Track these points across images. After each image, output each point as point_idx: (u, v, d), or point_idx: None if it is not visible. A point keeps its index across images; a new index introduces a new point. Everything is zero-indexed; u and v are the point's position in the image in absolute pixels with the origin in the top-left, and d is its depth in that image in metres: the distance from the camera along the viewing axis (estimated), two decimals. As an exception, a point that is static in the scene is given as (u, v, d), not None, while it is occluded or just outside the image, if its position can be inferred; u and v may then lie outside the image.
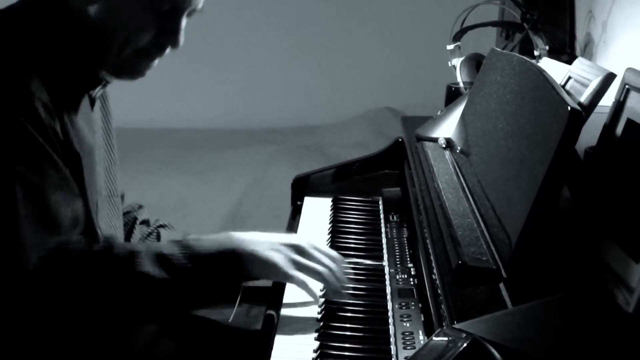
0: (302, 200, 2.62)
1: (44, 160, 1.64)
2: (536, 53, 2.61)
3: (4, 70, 1.64)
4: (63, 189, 1.68)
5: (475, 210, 1.81)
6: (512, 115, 1.85)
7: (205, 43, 5.20)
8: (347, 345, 1.70)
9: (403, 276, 2.01)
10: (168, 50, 1.83)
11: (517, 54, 2.12)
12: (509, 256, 1.51)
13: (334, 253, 1.87)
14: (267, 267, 1.78)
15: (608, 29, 2.63)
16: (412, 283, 1.96)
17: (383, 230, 2.32)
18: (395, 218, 2.41)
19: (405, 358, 1.59)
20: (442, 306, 1.57)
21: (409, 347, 1.67)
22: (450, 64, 3.00)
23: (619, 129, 1.60)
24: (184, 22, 1.80)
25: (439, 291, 1.63)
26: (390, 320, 1.79)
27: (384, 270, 2.05)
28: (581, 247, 1.53)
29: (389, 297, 1.90)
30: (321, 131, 5.43)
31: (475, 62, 2.92)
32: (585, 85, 1.78)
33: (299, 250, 1.82)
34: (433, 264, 1.74)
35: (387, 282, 1.98)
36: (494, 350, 1.16)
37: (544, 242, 1.50)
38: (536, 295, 1.36)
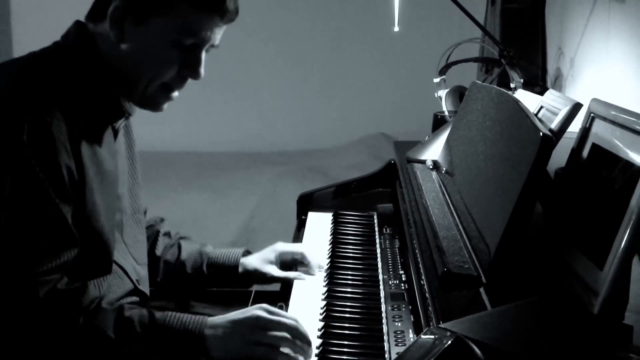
0: (306, 215, 2.62)
1: (40, 202, 1.61)
2: (512, 85, 2.61)
3: (30, 110, 1.61)
4: (50, 236, 1.62)
5: (459, 224, 1.81)
6: (491, 140, 1.85)
7: (221, 77, 5.20)
8: (346, 342, 1.69)
9: (395, 282, 2.00)
10: (188, 81, 1.81)
11: (495, 87, 2.13)
12: (488, 264, 1.51)
13: (290, 315, 1.72)
14: (227, 348, 1.66)
15: (575, 65, 2.64)
16: (403, 288, 1.96)
17: (377, 241, 2.32)
18: (388, 231, 2.40)
19: (397, 354, 1.58)
20: (430, 308, 1.56)
21: (400, 344, 1.66)
22: (436, 95, 3.00)
23: (585, 152, 1.61)
24: (203, 55, 1.79)
25: (426, 295, 1.63)
26: (384, 321, 1.78)
27: (378, 276, 2.05)
28: (551, 256, 1.53)
29: (382, 300, 1.90)
30: (323, 154, 5.42)
31: (458, 94, 2.92)
32: (556, 114, 1.79)
33: (257, 324, 1.68)
34: (421, 271, 1.74)
35: (381, 287, 1.97)
36: (474, 347, 1.16)
37: (519, 252, 1.50)
38: (512, 299, 1.36)
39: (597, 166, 1.53)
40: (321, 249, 2.24)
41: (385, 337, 1.71)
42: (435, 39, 4.51)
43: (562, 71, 2.78)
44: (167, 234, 2.23)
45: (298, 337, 1.66)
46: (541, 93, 2.07)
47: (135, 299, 1.94)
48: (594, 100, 1.63)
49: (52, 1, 5.33)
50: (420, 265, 1.77)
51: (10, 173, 1.59)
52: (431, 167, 2.30)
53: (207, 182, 4.76)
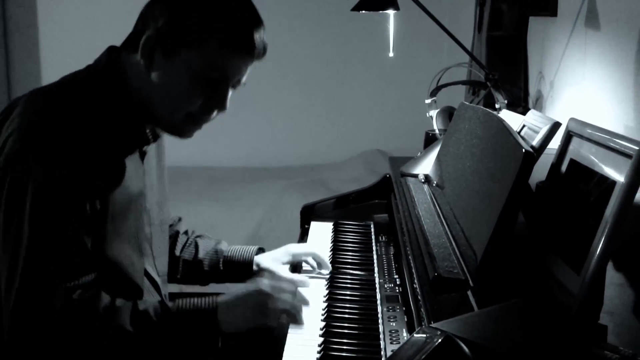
0: (309, 224, 2.61)
1: (63, 232, 1.59)
2: (497, 106, 2.61)
3: (60, 148, 1.59)
4: (69, 262, 1.60)
5: (448, 232, 1.81)
6: (478, 156, 1.85)
7: (233, 99, 5.22)
8: (345, 340, 1.69)
9: (390, 285, 2.00)
10: (213, 116, 1.78)
11: (481, 107, 2.13)
12: (475, 269, 1.51)
13: (290, 278, 1.76)
14: (237, 319, 1.68)
15: (555, 87, 2.64)
16: (397, 291, 1.95)
17: (374, 248, 2.32)
18: (383, 238, 2.40)
19: (392, 351, 1.57)
20: (422, 309, 1.56)
21: (394, 342, 1.66)
22: (428, 115, 3.00)
23: (564, 167, 1.61)
24: (230, 91, 1.75)
25: (419, 297, 1.63)
26: (380, 321, 1.78)
27: (374, 280, 2.05)
28: (533, 262, 1.53)
29: (378, 302, 1.90)
30: (324, 168, 5.42)
31: (448, 113, 2.92)
32: (537, 132, 1.79)
33: (261, 294, 1.71)
34: (414, 276, 1.74)
35: (377, 290, 1.97)
36: (463, 345, 1.16)
37: (503, 258, 1.50)
38: (497, 301, 1.36)
39: (575, 180, 1.53)
40: (322, 255, 2.24)
41: (381, 336, 1.71)
42: (426, 64, 4.51)
43: (543, 93, 2.79)
44: (185, 233, 2.22)
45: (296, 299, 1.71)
46: (523, 113, 2.07)
47: None
48: (572, 119, 1.63)
49: (79, 28, 5.35)
50: (413, 270, 1.76)
51: (38, 204, 1.57)
52: (423, 180, 2.30)
53: (219, 194, 4.76)
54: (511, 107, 2.60)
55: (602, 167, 1.43)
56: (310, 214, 2.66)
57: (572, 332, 1.28)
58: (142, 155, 1.84)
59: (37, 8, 5.34)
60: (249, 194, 4.77)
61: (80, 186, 1.60)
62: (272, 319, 1.71)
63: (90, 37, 5.13)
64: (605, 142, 1.44)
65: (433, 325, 1.24)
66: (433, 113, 2.98)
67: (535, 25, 3.00)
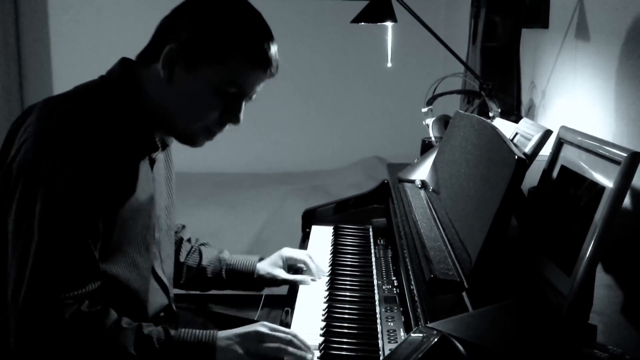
0: (310, 228, 2.62)
1: (71, 237, 1.58)
2: (491, 114, 2.62)
3: (71, 154, 1.58)
4: (77, 267, 1.60)
5: (444, 236, 1.81)
6: (472, 162, 1.86)
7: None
8: (345, 340, 1.69)
9: (388, 286, 2.00)
10: (228, 126, 1.79)
11: (476, 115, 2.13)
12: (470, 271, 1.51)
13: (289, 330, 1.71)
14: (232, 356, 1.63)
15: (546, 96, 2.64)
16: (395, 292, 1.96)
17: (372, 251, 2.32)
18: (382, 242, 2.40)
19: (390, 350, 1.58)
20: (418, 310, 1.56)
21: (392, 342, 1.66)
22: (424, 123, 3.01)
23: (555, 173, 1.61)
24: (244, 104, 1.77)
25: (415, 298, 1.63)
26: (378, 321, 1.78)
27: (373, 282, 2.05)
28: (525, 264, 1.53)
29: (377, 302, 1.90)
30: (325, 174, 5.41)
31: (443, 122, 2.93)
32: (529, 139, 1.79)
33: (257, 337, 1.67)
34: (411, 277, 1.74)
35: (376, 291, 1.97)
36: (458, 344, 1.16)
37: (497, 260, 1.50)
38: (491, 301, 1.36)
39: (566, 185, 1.54)
40: (323, 258, 2.25)
41: (380, 335, 1.71)
42: (423, 74, 4.51)
43: (535, 102, 2.79)
44: (189, 240, 2.22)
45: (297, 342, 1.65)
46: (516, 121, 2.07)
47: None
48: (563, 127, 1.63)
49: (90, 38, 5.36)
50: (410, 272, 1.77)
51: (49, 208, 1.56)
52: (420, 186, 2.31)
53: (223, 199, 4.75)
54: (504, 115, 2.60)
55: (591, 173, 1.43)
56: (311, 218, 2.66)
57: (563, 332, 1.28)
58: (152, 163, 1.84)
59: (49, 18, 5.35)
60: (252, 199, 4.76)
61: (91, 194, 1.60)
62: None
63: (100, 47, 5.16)
64: (594, 149, 1.44)
65: (429, 325, 1.25)
66: (429, 121, 2.98)
67: (528, 36, 3.00)
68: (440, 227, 1.87)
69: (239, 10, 1.73)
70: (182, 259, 2.16)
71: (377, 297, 1.93)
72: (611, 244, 1.37)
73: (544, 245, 1.51)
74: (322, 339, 1.70)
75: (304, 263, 2.17)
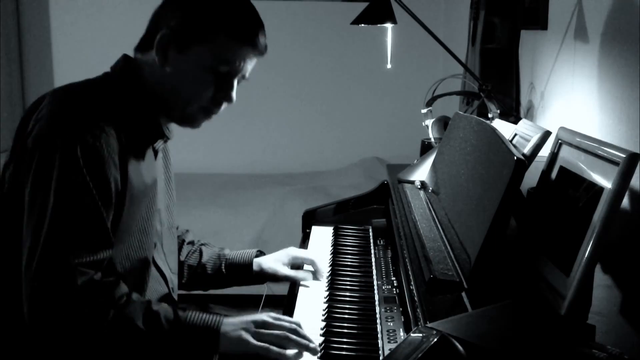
0: (310, 229, 2.62)
1: (86, 204, 1.63)
2: (490, 115, 2.62)
3: (83, 128, 1.64)
4: (90, 234, 1.64)
5: (443, 236, 1.81)
6: (472, 163, 1.86)
7: (237, 109, 5.22)
8: (345, 340, 1.69)
9: (388, 287, 2.00)
10: (224, 106, 1.84)
11: (475, 117, 2.13)
12: (469, 271, 1.51)
13: (293, 319, 1.73)
14: (236, 341, 1.65)
15: (545, 97, 2.64)
16: (394, 292, 1.96)
17: (372, 251, 2.31)
18: (381, 242, 2.40)
19: (390, 350, 1.58)
20: (418, 310, 1.56)
21: (392, 342, 1.66)
22: (424, 124, 3.01)
23: (554, 174, 1.61)
24: (235, 82, 1.83)
25: (415, 298, 1.63)
26: (378, 321, 1.78)
27: (373, 282, 2.05)
28: (524, 264, 1.54)
29: (377, 303, 1.90)
30: (325, 175, 5.41)
31: (443, 123, 2.93)
32: (528, 140, 1.79)
33: (263, 324, 1.69)
34: (411, 278, 1.74)
35: (376, 291, 1.97)
36: (457, 344, 1.16)
37: (496, 261, 1.50)
38: (490, 302, 1.36)
39: (564, 186, 1.54)
40: (323, 258, 2.24)
41: (379, 335, 1.70)
42: (422, 75, 4.51)
43: (534, 103, 2.79)
44: (191, 242, 2.23)
45: (297, 339, 1.66)
46: (515, 122, 2.08)
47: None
48: (562, 128, 1.63)
49: (90, 35, 5.36)
50: (410, 273, 1.77)
51: (64, 177, 1.61)
52: (419, 186, 2.31)
53: (224, 199, 4.76)
54: (503, 116, 2.60)
55: (590, 174, 1.43)
56: (311, 218, 2.66)
57: (562, 332, 1.28)
58: (155, 153, 1.90)
59: (51, 18, 5.37)
60: (253, 200, 4.76)
61: (103, 163, 1.65)
62: (264, 350, 1.66)
63: (102, 46, 5.13)
64: (593, 150, 1.44)
65: (429, 325, 1.25)
66: (429, 122, 2.98)
67: (527, 38, 3.00)
68: (440, 228, 1.87)
69: None
70: (182, 258, 2.17)
71: (376, 297, 1.93)
72: (610, 244, 1.37)
73: (542, 246, 1.51)
74: (322, 339, 1.70)
75: (312, 262, 2.17)
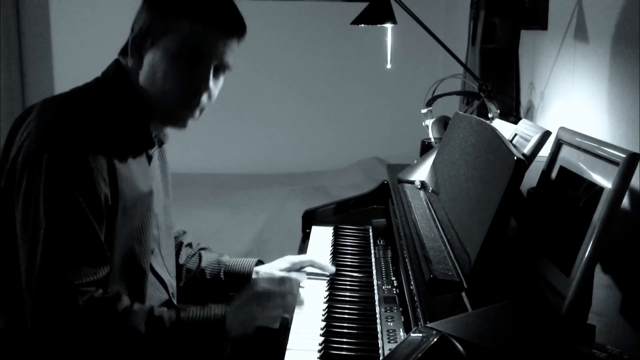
0: (310, 229, 2.62)
1: (80, 223, 1.63)
2: (490, 115, 2.62)
3: (73, 145, 1.64)
4: (87, 253, 1.64)
5: (443, 236, 1.81)
6: (472, 163, 1.86)
7: (236, 109, 5.24)
8: (345, 339, 1.69)
9: (388, 287, 2.00)
10: (205, 100, 1.80)
11: (475, 117, 2.13)
12: (469, 271, 1.51)
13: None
14: (243, 322, 1.71)
15: (545, 97, 2.64)
16: (394, 292, 1.96)
17: (372, 251, 2.31)
18: (381, 242, 2.40)
19: (390, 350, 1.58)
20: (418, 310, 1.56)
21: (392, 342, 1.66)
22: (424, 124, 3.01)
23: (554, 174, 1.61)
24: (211, 71, 1.78)
25: (415, 298, 1.63)
26: (378, 321, 1.78)
27: (373, 282, 2.05)
28: (524, 264, 1.53)
29: (377, 303, 1.90)
30: (325, 175, 5.41)
31: (443, 123, 2.93)
32: (528, 140, 1.79)
33: (261, 296, 1.75)
34: (411, 278, 1.74)
35: (376, 291, 1.97)
36: (457, 344, 1.16)
37: (496, 261, 1.50)
38: (490, 302, 1.36)
39: (564, 186, 1.54)
40: (323, 258, 2.24)
41: (379, 335, 1.71)
42: (422, 75, 4.52)
43: (534, 103, 2.79)
44: (189, 245, 2.23)
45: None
46: (515, 122, 2.07)
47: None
48: (562, 128, 1.63)
49: (90, 37, 5.36)
50: (410, 273, 1.77)
51: (54, 196, 1.61)
52: (419, 186, 2.31)
53: (224, 200, 4.75)
54: (503, 116, 2.60)
55: (590, 174, 1.43)
56: (311, 218, 2.66)
57: (562, 332, 1.28)
58: (149, 159, 1.89)
59: (50, 18, 5.36)
60: (253, 200, 4.76)
61: (93, 181, 1.64)
62: (273, 314, 1.71)
63: (101, 46, 5.13)
64: (593, 150, 1.44)
65: (429, 325, 1.24)
66: (429, 122, 2.98)
67: (527, 38, 3.00)
68: (440, 228, 1.87)
69: None
70: (181, 261, 2.17)
71: (376, 297, 1.93)
72: (610, 244, 1.37)
73: (542, 246, 1.51)
74: (322, 338, 1.70)
75: (311, 262, 2.16)
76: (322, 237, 2.52)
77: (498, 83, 3.07)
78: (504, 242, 1.53)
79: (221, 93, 1.86)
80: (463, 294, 1.49)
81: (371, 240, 2.43)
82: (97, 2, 5.42)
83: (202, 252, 2.23)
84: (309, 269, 2.17)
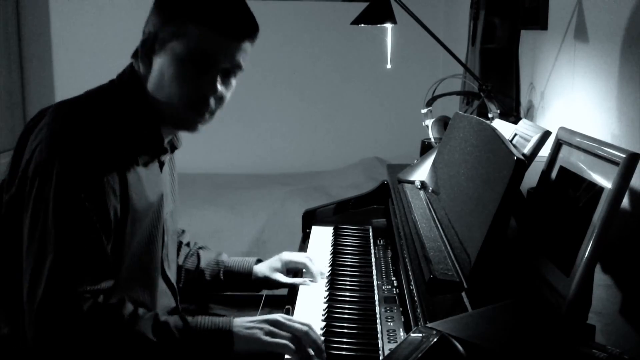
0: (310, 229, 2.62)
1: (88, 235, 1.62)
2: (490, 115, 2.62)
3: (84, 156, 1.63)
4: (92, 264, 1.63)
5: (443, 236, 1.81)
6: (472, 163, 1.86)
7: (237, 109, 5.21)
8: (345, 339, 1.69)
9: (388, 287, 2.00)
10: (214, 103, 1.78)
11: (475, 117, 2.13)
12: (469, 271, 1.51)
13: (305, 321, 1.71)
14: (250, 340, 1.66)
15: (545, 97, 2.64)
16: (394, 292, 1.96)
17: (372, 251, 2.31)
18: (381, 242, 2.40)
19: (390, 350, 1.58)
20: (418, 310, 1.57)
21: (392, 341, 1.66)
22: (424, 124, 3.01)
23: (554, 174, 1.61)
24: (219, 75, 1.76)
25: (415, 298, 1.63)
26: (378, 321, 1.78)
27: (373, 282, 2.05)
28: (524, 264, 1.53)
29: (377, 303, 1.90)
30: (325, 175, 5.40)
31: (443, 123, 2.93)
32: (528, 140, 1.79)
33: (275, 323, 1.69)
34: (411, 278, 1.74)
35: (376, 291, 1.97)
36: (457, 344, 1.16)
37: (496, 261, 1.50)
38: (490, 302, 1.36)
39: (564, 186, 1.54)
40: (323, 258, 2.25)
41: (379, 335, 1.71)
42: (422, 75, 4.53)
43: (534, 103, 2.79)
44: (187, 244, 2.23)
45: (308, 341, 1.65)
46: (515, 122, 2.07)
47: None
48: (562, 128, 1.63)
49: (90, 38, 5.36)
50: (410, 273, 1.77)
51: (64, 207, 1.60)
52: (419, 186, 2.31)
53: (224, 199, 4.75)
54: (503, 116, 2.60)
55: (590, 174, 1.43)
56: (311, 218, 2.66)
57: (562, 332, 1.28)
58: (161, 165, 1.88)
59: (51, 19, 5.36)
60: (253, 200, 4.76)
61: (103, 192, 1.63)
62: (279, 344, 1.66)
63: (102, 48, 5.16)
64: (593, 150, 1.44)
65: (429, 325, 1.25)
66: (429, 122, 2.98)
67: (527, 38, 3.00)
68: (440, 228, 1.87)
69: None
70: (180, 262, 2.17)
71: (376, 297, 1.93)
72: (610, 244, 1.37)
73: (542, 246, 1.51)
74: (322, 338, 1.69)
75: (305, 266, 2.17)
76: (322, 237, 2.52)
77: (498, 83, 3.07)
78: (504, 242, 1.53)
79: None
80: (463, 294, 1.49)
81: (371, 240, 2.43)
82: (97, 2, 5.42)
83: (200, 251, 2.22)
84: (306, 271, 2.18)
